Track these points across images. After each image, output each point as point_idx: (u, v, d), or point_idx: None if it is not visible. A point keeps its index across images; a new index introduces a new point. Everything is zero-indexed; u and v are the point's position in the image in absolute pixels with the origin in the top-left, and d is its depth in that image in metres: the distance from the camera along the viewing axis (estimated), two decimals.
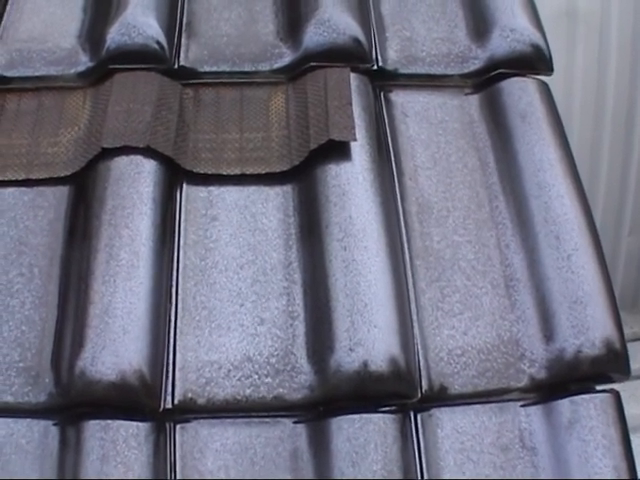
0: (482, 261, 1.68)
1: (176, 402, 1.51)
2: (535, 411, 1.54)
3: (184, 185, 1.75)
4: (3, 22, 2.00)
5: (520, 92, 1.88)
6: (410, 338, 1.55)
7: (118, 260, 1.57)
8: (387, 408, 1.49)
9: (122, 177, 1.69)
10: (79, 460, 1.42)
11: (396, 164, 1.80)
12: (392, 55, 1.96)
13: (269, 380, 1.53)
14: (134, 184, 1.68)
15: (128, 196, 1.66)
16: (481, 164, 1.82)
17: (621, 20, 4.04)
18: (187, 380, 1.52)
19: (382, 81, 1.94)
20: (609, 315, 1.58)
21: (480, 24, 2.00)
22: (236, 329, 1.57)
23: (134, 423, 1.45)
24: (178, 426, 1.50)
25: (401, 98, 1.92)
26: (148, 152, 1.73)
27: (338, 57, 1.89)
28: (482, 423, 1.53)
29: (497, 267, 1.67)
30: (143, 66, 1.88)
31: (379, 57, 1.94)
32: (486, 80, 1.94)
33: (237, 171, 1.75)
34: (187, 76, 1.92)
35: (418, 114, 1.89)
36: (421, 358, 1.56)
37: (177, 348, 1.55)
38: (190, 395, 1.51)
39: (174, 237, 1.68)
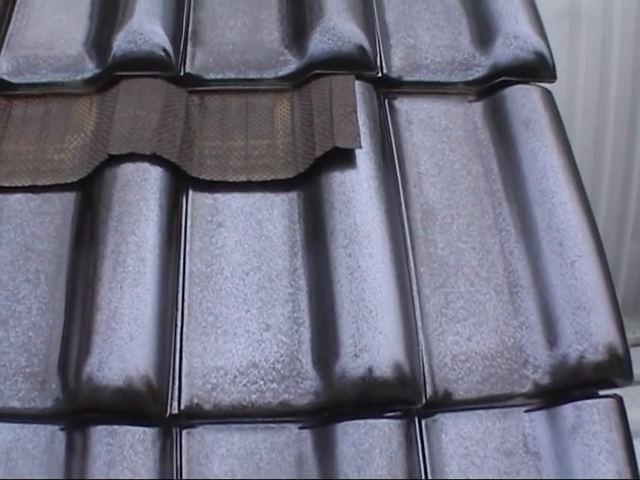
0: (486, 267, 1.69)
1: (182, 407, 1.52)
2: (539, 416, 1.54)
3: (190, 192, 1.76)
4: (9, 29, 2.01)
5: (523, 99, 1.89)
6: (415, 344, 1.56)
7: (125, 266, 1.58)
8: (392, 414, 1.50)
9: (128, 184, 1.70)
10: (86, 465, 1.42)
11: (400, 171, 1.81)
12: (396, 62, 1.97)
13: (275, 386, 1.53)
14: (140, 191, 1.69)
15: (134, 203, 1.67)
16: (485, 171, 1.82)
17: (624, 20, 4.04)
18: (193, 386, 1.53)
19: (386, 88, 1.94)
20: (612, 321, 1.58)
21: (484, 31, 2.01)
22: (242, 335, 1.58)
23: (141, 428, 1.46)
24: (184, 431, 1.51)
25: (405, 105, 1.93)
26: (154, 159, 1.73)
27: (343, 65, 1.90)
28: (486, 428, 1.53)
29: (501, 273, 1.68)
30: (149, 73, 1.89)
31: (384, 65, 1.95)
32: (490, 87, 1.95)
33: (243, 178, 1.76)
34: (193, 83, 1.93)
35: (422, 121, 1.90)
36: (425, 364, 1.57)
37: (183, 354, 1.56)
38: (196, 401, 1.52)
39: (180, 243, 1.68)
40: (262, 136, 1.83)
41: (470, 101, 1.95)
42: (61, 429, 1.50)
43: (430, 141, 1.87)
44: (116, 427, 1.45)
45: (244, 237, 1.70)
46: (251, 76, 1.94)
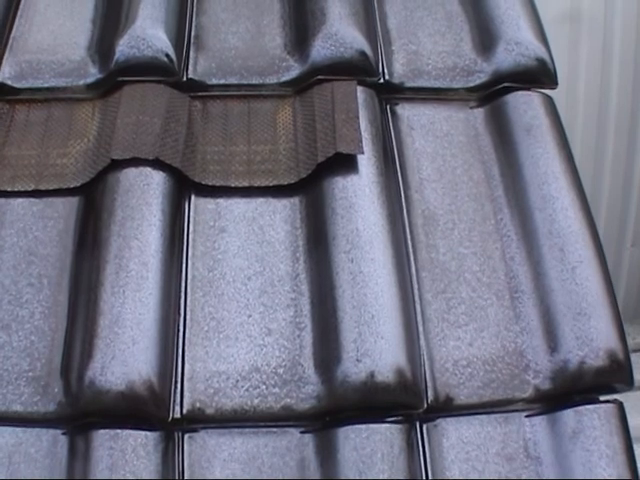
0: (487, 273, 1.69)
1: (184, 412, 1.52)
2: (540, 421, 1.55)
3: (192, 197, 1.77)
4: (12, 34, 2.01)
5: (525, 106, 1.89)
6: (416, 349, 1.56)
7: (127, 271, 1.58)
8: (393, 418, 1.50)
9: (131, 188, 1.70)
10: (88, 469, 1.43)
11: (402, 177, 1.82)
12: (398, 68, 1.97)
13: (276, 390, 1.54)
14: (143, 195, 1.69)
15: (137, 207, 1.67)
16: (486, 177, 1.83)
17: (625, 24, 4.04)
18: (195, 390, 1.54)
19: (388, 94, 1.95)
20: (613, 327, 1.59)
21: (485, 38, 2.02)
22: (244, 340, 1.58)
23: (143, 433, 1.46)
24: (186, 436, 1.51)
25: (407, 111, 1.93)
26: (157, 164, 1.74)
27: (345, 70, 1.91)
28: (487, 433, 1.53)
29: (502, 279, 1.68)
30: (152, 78, 1.89)
31: (385, 70, 1.96)
32: (491, 94, 1.95)
33: (245, 183, 1.77)
34: (195, 89, 1.93)
35: (424, 127, 1.90)
36: (427, 369, 1.57)
37: (186, 358, 1.56)
38: (198, 405, 1.53)
39: (182, 248, 1.69)
40: (264, 141, 1.84)
41: (472, 107, 1.95)
42: (63, 433, 1.50)
43: (432, 147, 1.87)
44: (118, 431, 1.46)
45: (246, 242, 1.70)
46: (253, 81, 1.94)
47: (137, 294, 1.55)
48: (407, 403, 1.52)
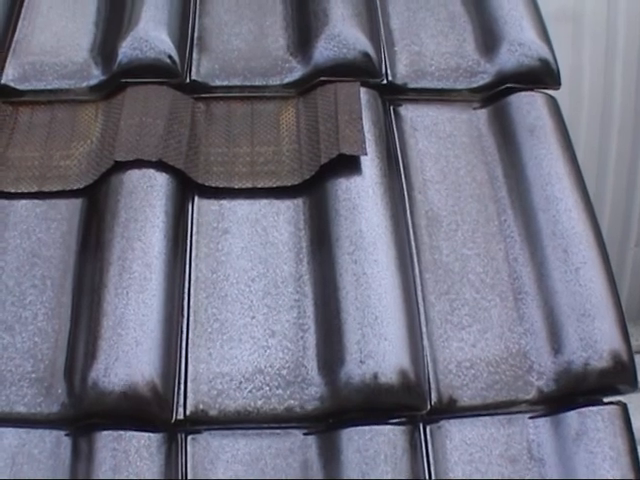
0: (491, 274, 1.69)
1: (188, 413, 1.52)
2: (543, 423, 1.54)
3: (196, 198, 1.77)
4: (16, 36, 2.02)
5: (528, 106, 1.89)
6: (420, 350, 1.56)
7: (131, 272, 1.58)
8: (397, 420, 1.50)
9: (135, 190, 1.70)
10: (91, 470, 1.43)
11: (406, 178, 1.81)
12: (401, 69, 1.97)
13: (280, 392, 1.54)
14: (147, 197, 1.69)
15: (140, 209, 1.67)
16: (490, 178, 1.82)
17: (628, 22, 4.03)
18: (199, 392, 1.53)
19: (392, 95, 1.95)
20: (616, 328, 1.59)
21: (488, 38, 2.02)
22: (247, 341, 1.58)
23: (146, 434, 1.46)
24: (190, 437, 1.51)
25: (410, 112, 1.93)
26: (160, 165, 1.74)
27: (348, 72, 1.91)
28: (490, 435, 1.53)
29: (506, 280, 1.68)
30: (155, 80, 1.90)
31: (388, 72, 1.95)
32: (494, 94, 1.95)
33: (248, 184, 1.76)
34: (199, 90, 1.93)
35: (427, 128, 1.90)
36: (430, 370, 1.57)
37: (189, 360, 1.56)
38: (202, 406, 1.52)
39: (186, 250, 1.69)
40: (267, 143, 1.83)
41: (475, 108, 1.95)
42: (67, 434, 1.50)
43: (435, 148, 1.87)
44: (121, 432, 1.46)
45: (250, 243, 1.70)
46: (256, 83, 1.94)
47: (140, 295, 1.55)
48: (410, 405, 1.52)
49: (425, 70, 1.97)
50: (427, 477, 1.48)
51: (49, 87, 1.93)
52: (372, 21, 2.01)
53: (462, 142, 1.88)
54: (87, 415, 1.49)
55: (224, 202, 1.76)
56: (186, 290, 1.63)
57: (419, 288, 1.66)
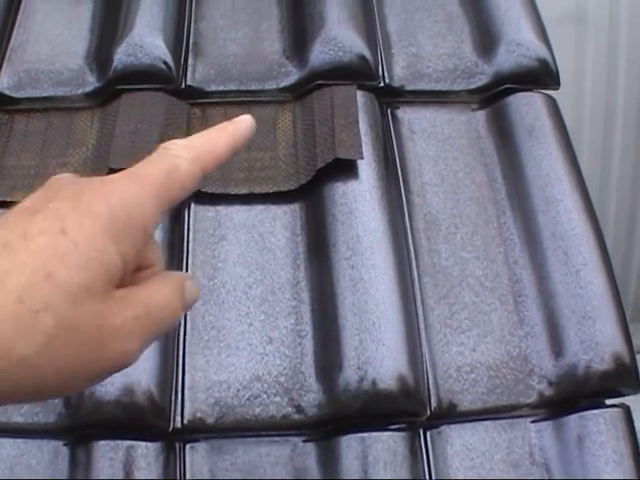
0: (490, 277, 1.68)
1: (185, 422, 1.51)
2: (545, 427, 1.53)
3: (192, 205, 1.76)
4: (11, 44, 2.01)
5: (527, 107, 1.88)
6: (419, 356, 1.55)
7: None
8: (396, 426, 1.49)
9: None
10: None
11: (403, 181, 1.80)
12: (399, 72, 1.96)
13: (278, 399, 1.53)
14: None
15: None
16: (489, 180, 1.81)
17: (630, 24, 4.03)
18: (196, 400, 1.53)
19: (389, 98, 1.93)
20: (618, 330, 1.57)
21: (486, 39, 2.00)
22: (245, 348, 1.57)
23: (143, 443, 1.46)
24: (187, 446, 1.50)
25: (408, 115, 1.92)
26: None
27: (344, 75, 1.89)
28: (492, 439, 1.52)
29: (505, 283, 1.67)
30: (150, 86, 1.88)
31: (385, 74, 1.94)
32: (493, 95, 1.94)
33: (245, 190, 1.75)
34: (194, 96, 1.92)
35: (425, 131, 1.89)
36: (430, 375, 1.56)
37: (186, 368, 1.55)
38: (199, 415, 1.52)
39: (182, 257, 1.68)
40: (264, 148, 1.82)
41: (473, 109, 1.94)
42: (64, 444, 1.50)
43: (433, 150, 1.86)
44: (119, 442, 1.45)
45: (246, 250, 1.69)
46: (252, 87, 1.93)
47: None
48: (410, 410, 1.51)
49: (422, 72, 1.96)
50: None
51: (45, 94, 1.92)
52: (368, 24, 1.99)
53: (461, 144, 1.87)
54: (84, 425, 1.48)
55: (220, 208, 1.75)
56: None
57: (418, 292, 1.64)
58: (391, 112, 1.92)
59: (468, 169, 1.83)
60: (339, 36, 1.92)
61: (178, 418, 1.51)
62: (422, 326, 1.60)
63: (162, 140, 1.77)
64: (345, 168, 1.73)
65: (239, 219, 1.74)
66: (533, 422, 1.54)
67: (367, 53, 1.92)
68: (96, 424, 1.48)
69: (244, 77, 1.95)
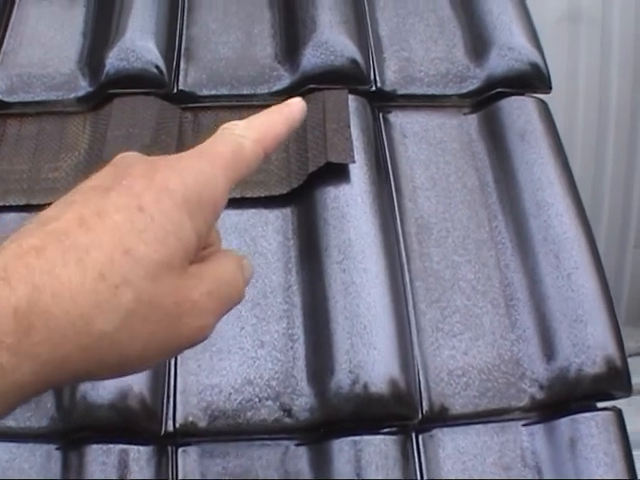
0: (482, 281, 1.68)
1: (177, 426, 1.51)
2: (537, 430, 1.53)
3: None
4: (3, 48, 2.01)
5: (518, 111, 1.88)
6: (410, 359, 1.55)
7: None
8: (388, 429, 1.49)
9: None
10: None
11: (395, 185, 1.80)
12: (390, 76, 1.96)
13: (270, 403, 1.53)
14: None
15: None
16: (480, 184, 1.82)
17: (623, 24, 4.04)
18: (188, 404, 1.53)
19: (381, 102, 1.94)
20: (610, 333, 1.58)
21: (478, 43, 2.01)
22: (237, 352, 1.57)
23: (135, 447, 1.45)
24: (180, 449, 1.50)
25: (400, 119, 1.92)
26: None
27: (336, 79, 1.89)
28: (484, 443, 1.52)
29: (497, 287, 1.67)
30: (142, 90, 1.88)
31: (377, 78, 1.94)
32: (485, 99, 1.94)
33: (237, 195, 1.75)
34: (186, 100, 1.92)
35: (417, 135, 1.89)
36: (421, 379, 1.56)
37: (178, 372, 1.55)
38: (191, 419, 1.52)
39: None
40: None
41: (465, 113, 1.94)
42: (57, 448, 1.49)
43: (425, 154, 1.86)
44: (111, 446, 1.45)
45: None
46: (244, 92, 1.93)
47: None
48: (401, 414, 1.51)
49: (414, 76, 1.96)
50: None
51: (37, 99, 1.92)
52: (360, 28, 2.00)
53: (452, 148, 1.87)
54: (77, 429, 1.48)
55: None
56: None
57: (409, 296, 1.65)
58: (383, 116, 1.92)
59: (460, 173, 1.83)
60: (331, 40, 1.92)
61: (170, 422, 1.51)
62: (414, 330, 1.60)
63: (154, 145, 1.80)
64: (337, 172, 1.73)
65: (231, 223, 1.74)
66: (525, 425, 1.54)
67: (359, 57, 1.92)
68: (88, 428, 1.47)
69: (236, 81, 1.95)
